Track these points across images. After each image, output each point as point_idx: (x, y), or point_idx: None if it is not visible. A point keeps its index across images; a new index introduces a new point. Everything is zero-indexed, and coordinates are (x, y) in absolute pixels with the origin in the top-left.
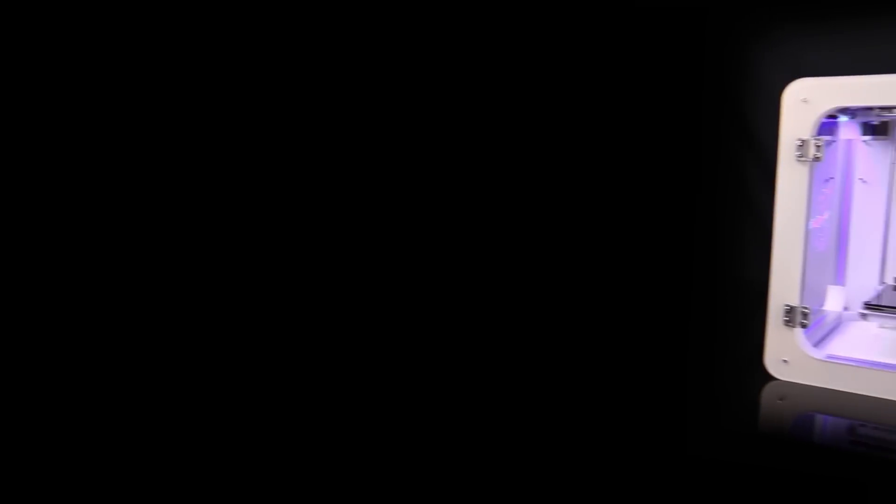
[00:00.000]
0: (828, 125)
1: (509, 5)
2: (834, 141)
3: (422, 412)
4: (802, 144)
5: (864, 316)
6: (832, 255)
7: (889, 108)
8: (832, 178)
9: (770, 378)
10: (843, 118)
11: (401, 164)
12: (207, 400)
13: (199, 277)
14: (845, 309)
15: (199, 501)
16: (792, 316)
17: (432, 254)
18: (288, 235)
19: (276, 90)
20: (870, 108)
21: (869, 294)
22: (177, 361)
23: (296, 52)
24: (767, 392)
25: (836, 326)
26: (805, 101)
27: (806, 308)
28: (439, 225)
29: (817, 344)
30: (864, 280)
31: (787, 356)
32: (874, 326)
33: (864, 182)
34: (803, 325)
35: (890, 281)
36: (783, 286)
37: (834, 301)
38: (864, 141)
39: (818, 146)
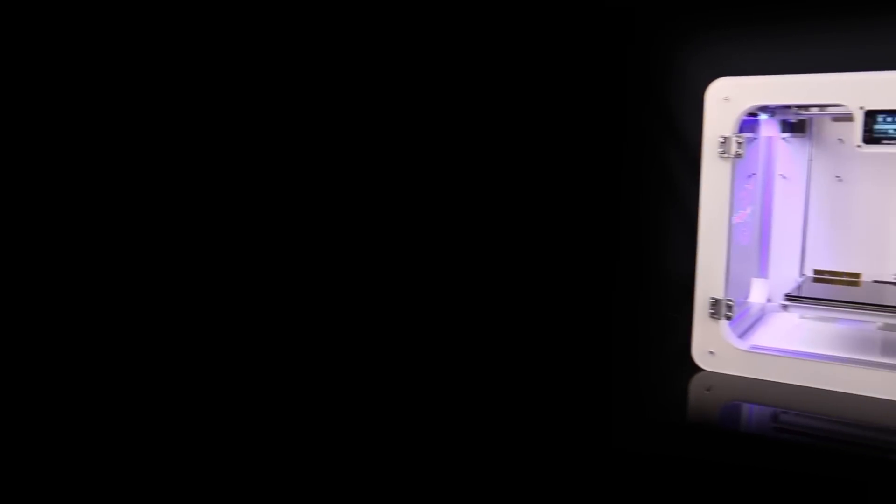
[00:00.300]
0: (749, 123)
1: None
2: (755, 138)
3: (355, 412)
4: (724, 141)
5: (785, 307)
6: (755, 249)
7: (805, 107)
8: (754, 173)
9: (698, 369)
10: (763, 116)
11: (333, 166)
12: (194, 400)
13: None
14: (768, 301)
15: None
16: (717, 308)
17: (363, 253)
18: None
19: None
20: (788, 107)
21: (790, 286)
22: (165, 362)
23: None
24: (695, 383)
25: (759, 318)
26: (727, 100)
27: (730, 300)
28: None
29: (742, 335)
30: (786, 272)
31: (713, 347)
32: (795, 317)
33: (784, 178)
34: (728, 318)
35: (809, 273)
36: (708, 279)
37: (758, 293)
38: (784, 138)
39: (739, 143)
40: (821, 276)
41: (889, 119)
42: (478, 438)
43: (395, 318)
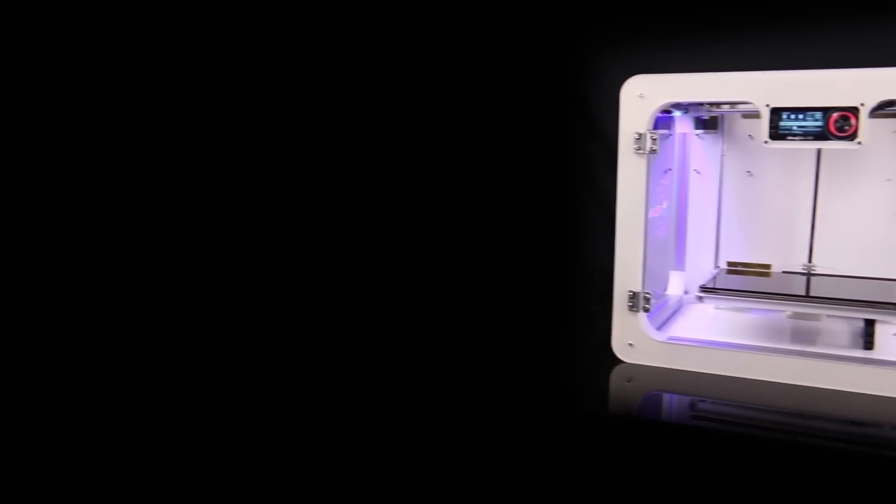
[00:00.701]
0: (664, 119)
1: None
2: (670, 134)
3: (292, 411)
4: (640, 138)
5: (700, 299)
6: (672, 242)
7: (716, 104)
8: (670, 169)
9: (619, 361)
10: (677, 113)
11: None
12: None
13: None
14: (686, 293)
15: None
16: (635, 301)
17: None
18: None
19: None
20: (700, 104)
21: (706, 278)
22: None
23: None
24: (616, 375)
25: (677, 309)
26: (641, 97)
27: (648, 293)
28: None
29: (661, 327)
30: (702, 265)
31: (632, 340)
32: (711, 308)
33: (699, 173)
34: (646, 310)
35: (724, 265)
36: (626, 273)
37: (675, 285)
38: (697, 134)
39: (654, 139)
40: (734, 268)
41: (793, 116)
42: (399, 433)
43: (321, 314)
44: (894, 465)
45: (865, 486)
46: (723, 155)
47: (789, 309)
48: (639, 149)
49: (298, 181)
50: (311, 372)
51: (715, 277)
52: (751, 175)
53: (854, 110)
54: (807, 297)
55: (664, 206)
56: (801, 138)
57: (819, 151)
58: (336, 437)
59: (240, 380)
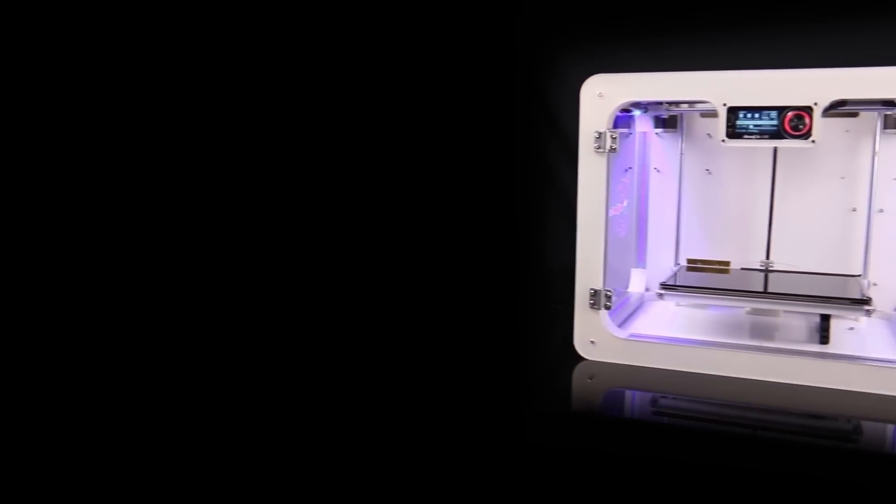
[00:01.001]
0: (623, 118)
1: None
2: (630, 133)
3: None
4: (599, 137)
5: (661, 296)
6: (633, 240)
7: (675, 103)
8: (630, 168)
9: (581, 359)
10: (637, 112)
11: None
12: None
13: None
14: (647, 290)
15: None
16: (597, 299)
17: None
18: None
19: None
20: (659, 103)
21: (666, 275)
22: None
23: None
24: (578, 372)
25: (639, 307)
26: (600, 96)
27: (609, 291)
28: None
29: (622, 324)
30: (663, 262)
31: (594, 337)
32: (672, 305)
33: (659, 171)
34: (607, 307)
35: (684, 262)
36: (587, 271)
37: (636, 283)
38: (657, 133)
39: (614, 138)
40: (694, 265)
41: (749, 115)
42: (360, 432)
43: (280, 311)
44: (850, 457)
45: (822, 478)
46: (682, 153)
47: (748, 305)
48: (599, 148)
49: (264, 181)
50: (271, 370)
51: (675, 274)
52: (710, 173)
53: (808, 109)
54: (764, 294)
55: (625, 204)
56: (757, 137)
57: (775, 150)
58: (295, 437)
59: (204, 379)
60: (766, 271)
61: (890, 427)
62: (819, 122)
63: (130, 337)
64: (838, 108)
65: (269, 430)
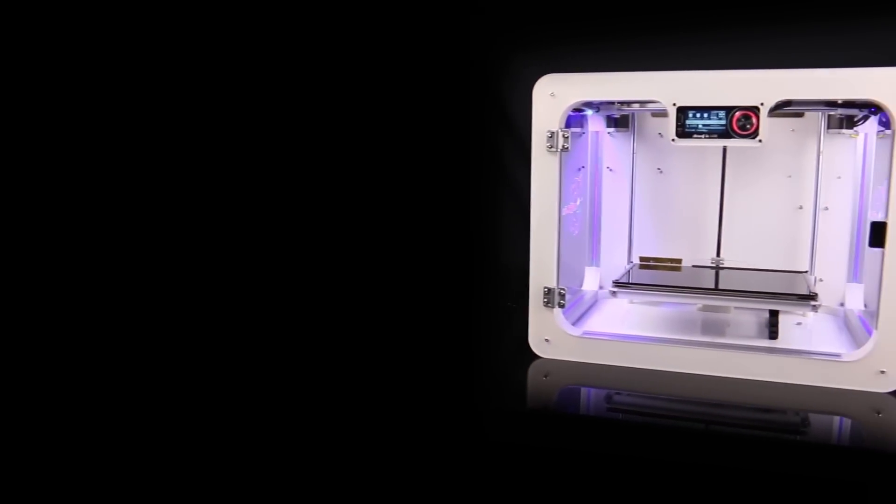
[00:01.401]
0: (576, 118)
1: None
2: (583, 133)
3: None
4: (552, 136)
5: (614, 294)
6: (587, 239)
7: (626, 103)
8: (583, 167)
9: (536, 357)
10: (589, 111)
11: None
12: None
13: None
14: (600, 288)
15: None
16: (550, 297)
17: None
18: None
19: None
20: (611, 103)
21: (620, 273)
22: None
23: None
24: (533, 370)
25: (592, 304)
26: (552, 96)
27: (563, 289)
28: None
29: (576, 322)
30: (616, 260)
31: (548, 335)
32: (625, 302)
33: (611, 170)
34: (561, 306)
35: (636, 260)
36: (541, 269)
37: (590, 281)
38: (609, 132)
39: (566, 137)
40: (646, 263)
41: (698, 115)
42: (318, 433)
43: (236, 310)
44: (799, 450)
45: (772, 472)
46: (634, 153)
47: (699, 301)
48: (551, 147)
49: (222, 181)
50: (221, 371)
51: (628, 272)
52: (661, 172)
53: (755, 109)
54: (715, 290)
55: (578, 203)
56: (706, 136)
57: (725, 149)
58: (255, 438)
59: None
60: (717, 268)
61: (836, 419)
62: (766, 122)
63: (120, 335)
64: (784, 109)
65: (222, 423)
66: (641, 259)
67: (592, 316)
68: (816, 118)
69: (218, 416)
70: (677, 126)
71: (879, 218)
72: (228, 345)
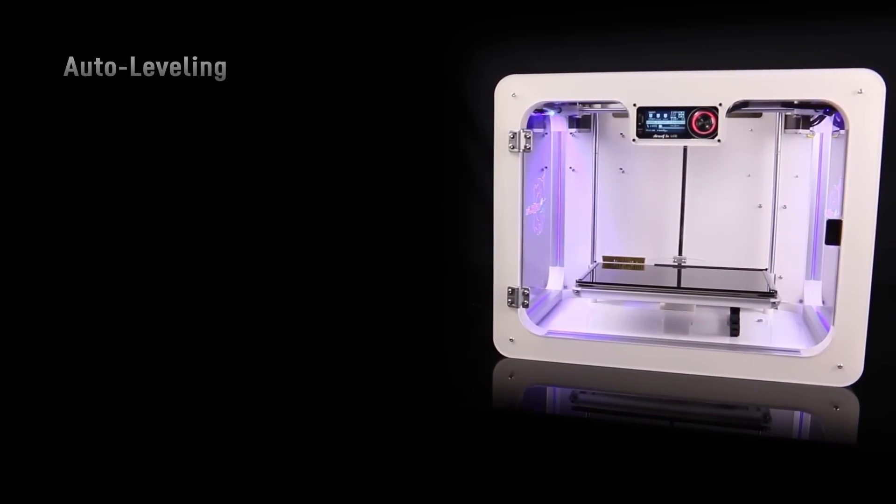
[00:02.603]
0: (538, 118)
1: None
2: (545, 133)
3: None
4: (514, 136)
5: (578, 293)
6: (550, 239)
7: (588, 104)
8: (546, 167)
9: (501, 356)
10: (551, 112)
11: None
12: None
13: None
14: (564, 287)
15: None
16: (514, 297)
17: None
18: None
19: None
20: (572, 103)
21: (584, 272)
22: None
23: None
24: (498, 370)
25: (557, 304)
26: (514, 96)
27: (527, 289)
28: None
29: (541, 321)
30: (579, 259)
31: (512, 335)
32: (589, 301)
33: (574, 171)
34: (525, 305)
35: (600, 259)
36: (504, 269)
37: (554, 281)
38: (572, 133)
39: (528, 138)
40: (609, 262)
41: (658, 115)
42: (284, 429)
43: (198, 308)
44: (761, 445)
45: (734, 468)
46: (596, 153)
47: (662, 300)
48: (513, 147)
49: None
50: (188, 369)
51: (592, 272)
52: (623, 172)
53: (714, 110)
54: (678, 289)
55: (541, 203)
56: (666, 136)
57: (685, 149)
58: (219, 435)
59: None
60: (679, 267)
61: (796, 414)
62: (724, 122)
63: (117, 335)
64: (742, 109)
65: (198, 423)
66: (605, 258)
67: (557, 315)
68: (774, 118)
69: (189, 413)
70: (638, 126)
71: (835, 216)
72: (194, 347)
